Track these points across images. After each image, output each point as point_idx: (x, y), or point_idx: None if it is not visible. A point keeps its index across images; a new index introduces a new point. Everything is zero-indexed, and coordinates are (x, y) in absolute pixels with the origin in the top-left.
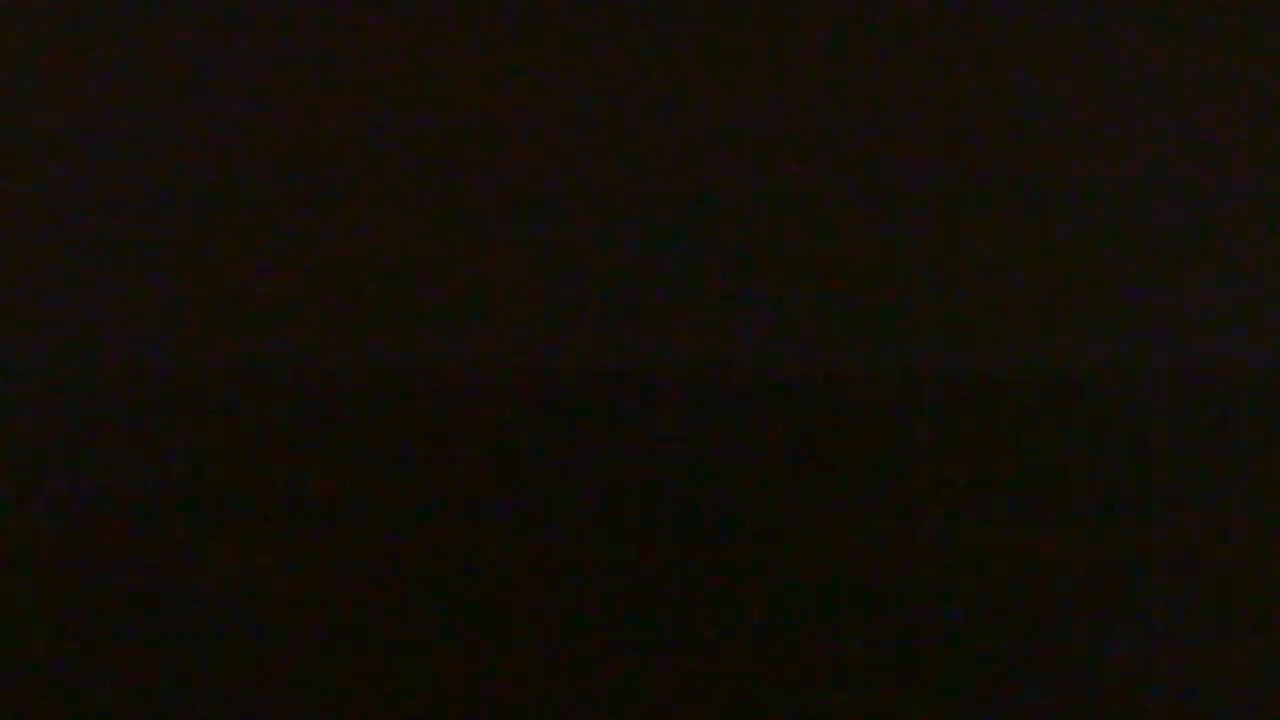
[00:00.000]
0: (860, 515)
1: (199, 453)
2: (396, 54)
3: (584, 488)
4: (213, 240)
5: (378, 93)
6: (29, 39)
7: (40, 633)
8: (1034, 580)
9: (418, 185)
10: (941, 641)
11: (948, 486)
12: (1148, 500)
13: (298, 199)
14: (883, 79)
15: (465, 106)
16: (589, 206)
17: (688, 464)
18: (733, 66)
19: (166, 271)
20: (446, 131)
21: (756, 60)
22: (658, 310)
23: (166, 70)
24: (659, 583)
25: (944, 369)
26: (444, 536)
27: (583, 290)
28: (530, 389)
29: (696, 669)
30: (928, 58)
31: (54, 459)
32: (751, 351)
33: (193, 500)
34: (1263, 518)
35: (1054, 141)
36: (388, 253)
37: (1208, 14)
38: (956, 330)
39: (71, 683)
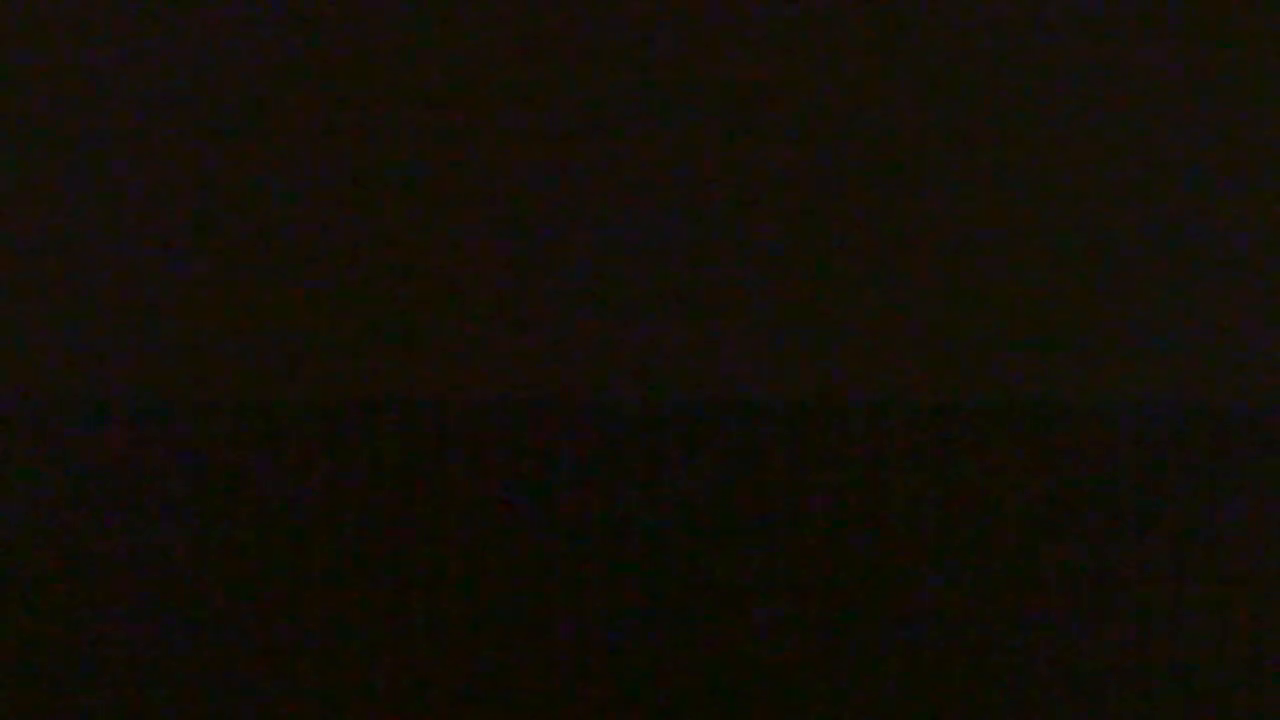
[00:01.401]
0: (853, 542)
1: (198, 484)
2: (408, 77)
3: (579, 517)
4: (212, 270)
5: (378, 105)
6: (31, 56)
7: (43, 657)
8: (1029, 601)
9: (413, 216)
10: (938, 667)
11: (941, 516)
12: (1141, 533)
13: (298, 227)
14: (875, 108)
15: (465, 123)
16: (583, 232)
17: (682, 493)
18: (725, 102)
19: (164, 303)
20: (446, 158)
21: (749, 90)
22: (653, 340)
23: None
24: (656, 613)
25: (940, 398)
26: (443, 566)
27: (574, 320)
28: (523, 420)
29: (693, 690)
30: (922, 86)
31: (55, 491)
32: (743, 380)
33: (194, 532)
34: (1260, 550)
35: (1048, 170)
36: (386, 284)
37: (1210, 33)
38: (950, 360)
39: (71, 702)
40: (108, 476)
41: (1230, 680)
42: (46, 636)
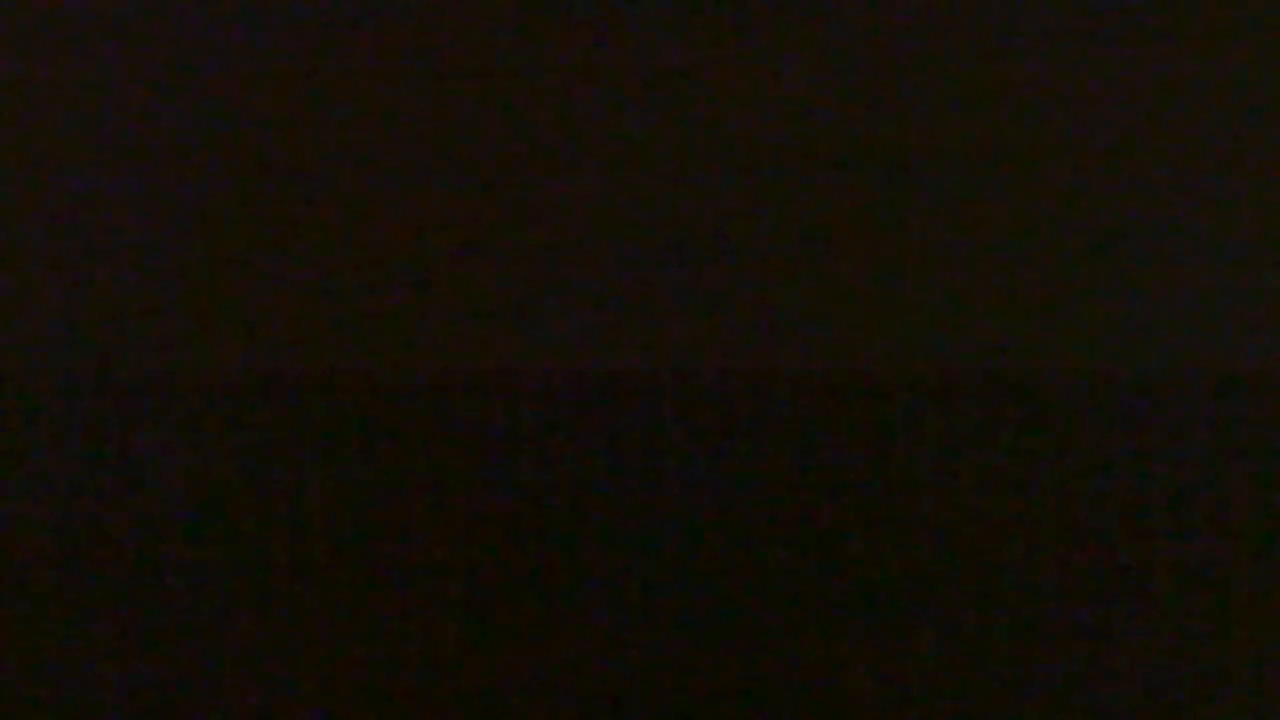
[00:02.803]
0: (856, 517)
1: (200, 459)
2: (403, 67)
3: (579, 492)
4: (212, 245)
5: (376, 97)
6: (29, 44)
7: (42, 638)
8: (1027, 583)
9: (412, 191)
10: (938, 644)
11: (945, 489)
12: (1144, 508)
13: (299, 202)
14: (876, 84)
15: (460, 110)
16: (579, 208)
17: (683, 466)
18: (729, 73)
19: (164, 277)
20: (441, 135)
21: (754, 66)
22: (651, 312)
23: (168, 81)
24: (655, 588)
25: (940, 370)
26: (442, 544)
27: (574, 291)
28: (525, 391)
29: (693, 674)
30: (925, 59)
31: (55, 466)
32: (748, 353)
33: (196, 507)
34: (1259, 524)
35: (1049, 143)
36: (384, 258)
37: (1205, 19)
38: (953, 332)
39: (70, 688)
40: (110, 452)
41: (1231, 670)
42: (44, 619)
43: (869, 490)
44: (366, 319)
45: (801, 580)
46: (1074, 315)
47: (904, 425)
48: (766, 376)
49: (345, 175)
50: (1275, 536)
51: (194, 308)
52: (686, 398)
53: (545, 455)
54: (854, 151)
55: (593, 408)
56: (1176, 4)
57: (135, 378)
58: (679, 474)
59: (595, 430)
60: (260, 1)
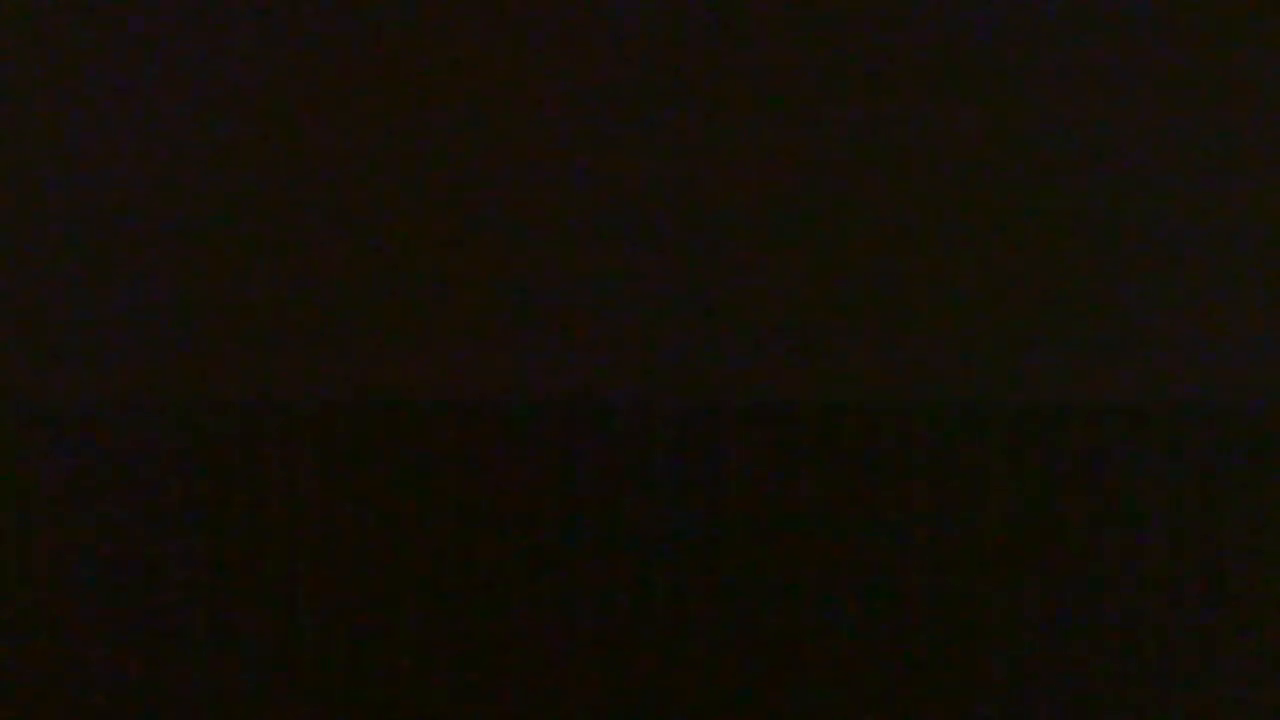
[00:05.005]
0: (852, 543)
1: (198, 483)
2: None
3: (574, 518)
4: (207, 270)
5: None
6: (34, 60)
7: (41, 653)
8: (1024, 605)
9: (410, 214)
10: (934, 668)
11: (941, 519)
12: (1138, 532)
13: (296, 227)
14: (875, 118)
15: (460, 123)
16: (579, 234)
17: (679, 493)
18: (730, 102)
19: (163, 302)
20: (440, 155)
21: (753, 94)
22: (649, 339)
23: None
24: (647, 615)
25: (939, 399)
26: (441, 568)
27: (575, 319)
28: (517, 418)
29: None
30: (921, 91)
31: (56, 489)
32: (745, 381)
33: (188, 531)
34: (1257, 546)
35: (1050, 175)
36: (379, 282)
37: (1201, 49)
38: (952, 361)
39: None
40: (108, 476)
41: (1226, 683)
42: (46, 637)
43: (863, 515)
44: (365, 347)
45: (787, 611)
46: (1073, 345)
47: (896, 451)
48: (761, 406)
49: (350, 203)
50: (1257, 565)
51: (195, 333)
52: (671, 422)
53: (540, 479)
54: (853, 190)
55: (577, 432)
56: (1176, 46)
57: (139, 402)
58: (659, 496)
59: (578, 454)
60: (272, 26)
